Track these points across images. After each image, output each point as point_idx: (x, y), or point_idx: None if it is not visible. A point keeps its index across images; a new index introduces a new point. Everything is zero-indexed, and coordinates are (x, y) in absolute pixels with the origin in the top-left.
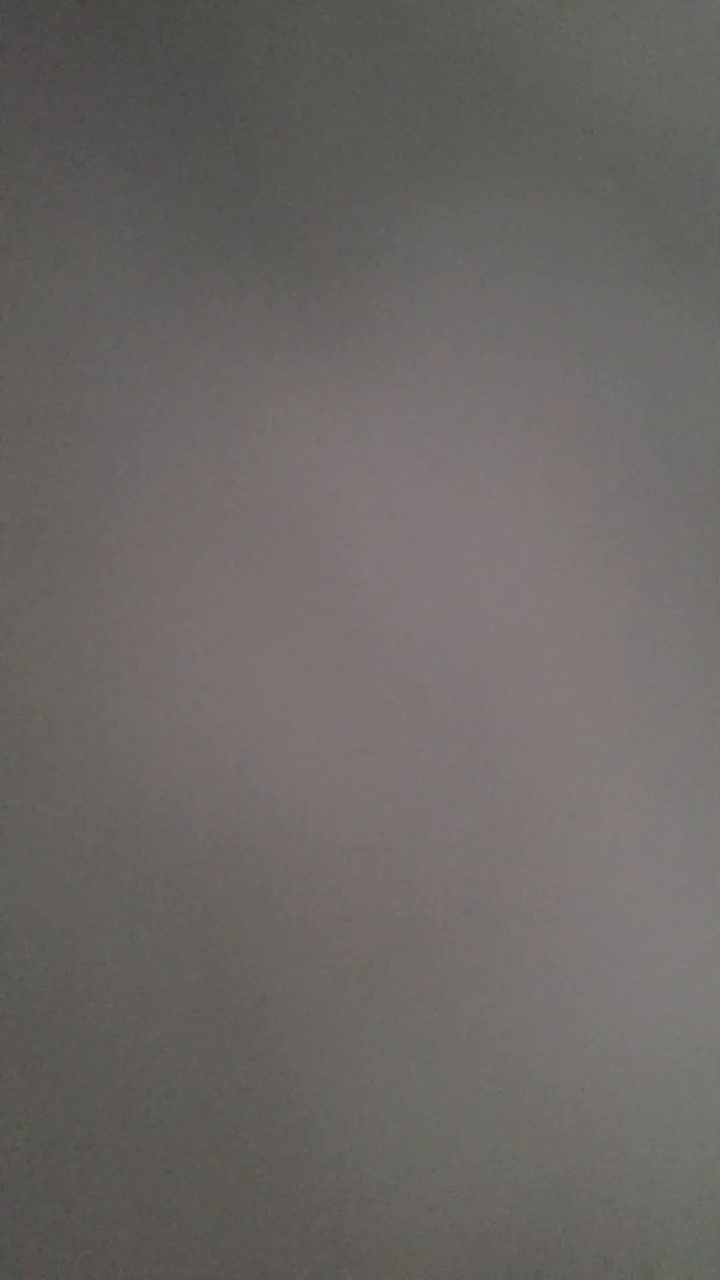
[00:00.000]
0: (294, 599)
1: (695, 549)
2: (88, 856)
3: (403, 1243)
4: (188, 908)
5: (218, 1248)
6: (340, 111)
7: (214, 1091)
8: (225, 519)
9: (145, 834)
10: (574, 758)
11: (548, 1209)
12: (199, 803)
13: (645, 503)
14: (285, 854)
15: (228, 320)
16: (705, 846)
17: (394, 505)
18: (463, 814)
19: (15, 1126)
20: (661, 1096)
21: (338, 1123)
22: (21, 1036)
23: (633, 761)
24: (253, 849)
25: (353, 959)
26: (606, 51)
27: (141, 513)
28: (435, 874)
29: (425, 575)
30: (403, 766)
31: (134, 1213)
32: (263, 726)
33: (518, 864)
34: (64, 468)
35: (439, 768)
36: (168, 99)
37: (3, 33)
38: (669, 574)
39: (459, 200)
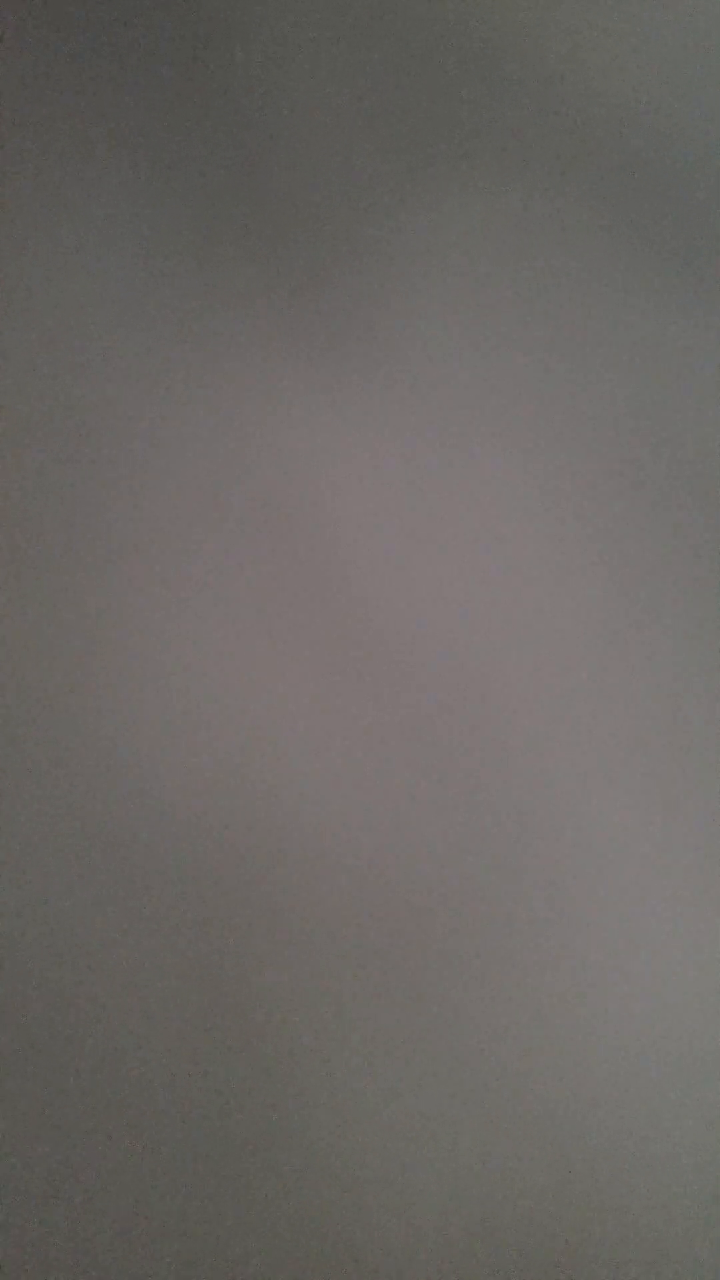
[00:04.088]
0: (294, 600)
1: (695, 549)
2: (85, 857)
3: (402, 1245)
4: (185, 909)
5: (216, 1249)
6: (340, 112)
7: (212, 1091)
8: (225, 520)
9: (143, 833)
10: (574, 758)
11: (548, 1211)
12: (198, 803)
13: (645, 503)
14: (284, 855)
15: (227, 321)
16: (706, 846)
17: (393, 505)
18: (462, 814)
19: (15, 1128)
20: (663, 1099)
21: (337, 1125)
22: (19, 1038)
23: (634, 762)
24: (252, 849)
25: (352, 960)
26: (607, 51)
27: (141, 513)
28: (434, 875)
29: (425, 576)
30: (402, 767)
31: (131, 1213)
32: (262, 727)
33: (517, 865)
34: (63, 469)
35: (438, 768)
36: (166, 99)
37: (3, 34)
38: (669, 574)
39: (459, 201)
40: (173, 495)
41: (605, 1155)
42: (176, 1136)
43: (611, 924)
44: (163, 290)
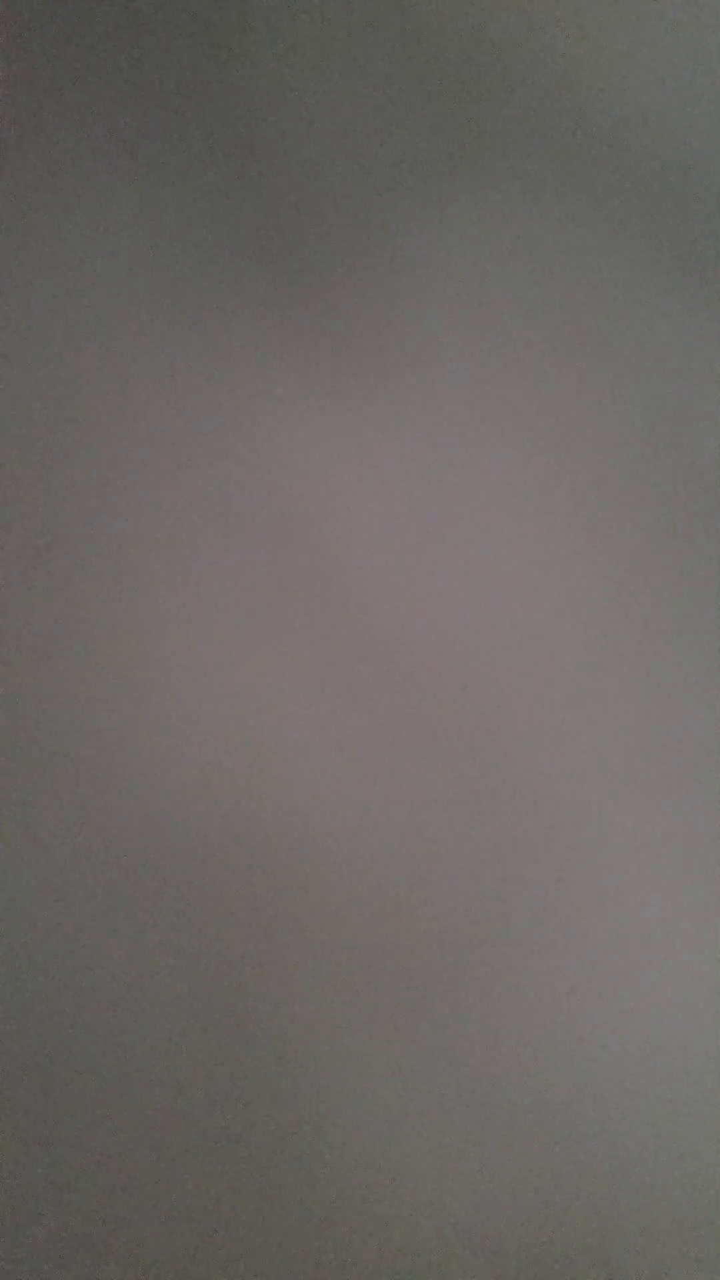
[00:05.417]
0: (294, 602)
1: (695, 551)
2: (87, 862)
3: (402, 1249)
4: (186, 911)
5: (217, 1251)
6: (343, 118)
7: (214, 1094)
8: (226, 526)
9: (144, 835)
10: (576, 764)
11: (548, 1215)
12: (199, 805)
13: (647, 509)
14: (285, 861)
15: (229, 324)
16: (706, 846)
17: (394, 507)
18: (463, 820)
19: (16, 1128)
20: (664, 1105)
21: (338, 1129)
22: (21, 1039)
23: (636, 769)
24: (253, 855)
25: (353, 966)
26: (611, 56)
27: (143, 515)
28: (436, 881)
29: (427, 583)
30: (404, 774)
31: (132, 1213)
32: (261, 728)
33: (518, 865)
34: (65, 470)
35: (440, 774)
36: (168, 104)
37: (3, 35)
38: (670, 576)
39: (462, 205)
40: (174, 497)
41: (607, 1155)
42: (178, 1138)
43: (612, 924)
44: (165, 294)
